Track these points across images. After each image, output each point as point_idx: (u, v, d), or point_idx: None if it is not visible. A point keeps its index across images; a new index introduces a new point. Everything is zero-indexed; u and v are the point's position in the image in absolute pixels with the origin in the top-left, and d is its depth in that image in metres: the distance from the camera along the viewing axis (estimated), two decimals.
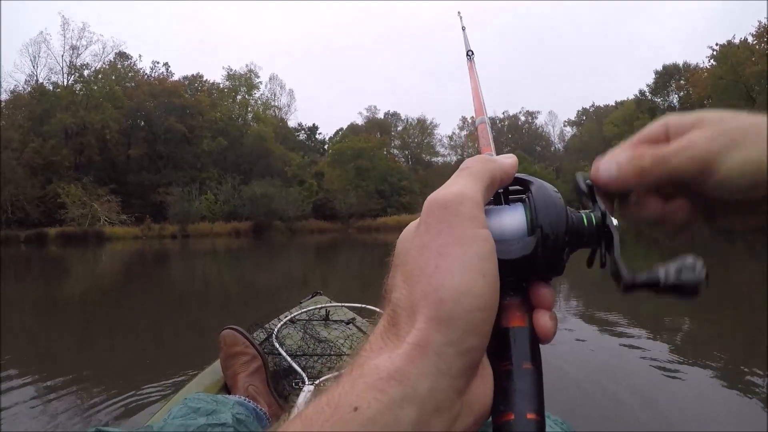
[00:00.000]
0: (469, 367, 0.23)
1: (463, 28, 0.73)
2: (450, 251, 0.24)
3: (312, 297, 1.90)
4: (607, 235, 0.28)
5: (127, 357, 3.26)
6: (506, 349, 0.26)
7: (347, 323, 1.61)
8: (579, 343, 3.22)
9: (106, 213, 29.46)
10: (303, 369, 1.33)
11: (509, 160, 0.30)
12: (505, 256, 0.26)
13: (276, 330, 1.50)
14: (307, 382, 1.27)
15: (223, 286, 7.88)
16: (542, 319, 0.27)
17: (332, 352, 1.43)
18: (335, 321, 1.64)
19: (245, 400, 1.17)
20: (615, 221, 0.29)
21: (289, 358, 1.36)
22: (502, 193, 0.31)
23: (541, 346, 0.27)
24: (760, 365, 2.62)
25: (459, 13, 0.78)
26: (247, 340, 1.33)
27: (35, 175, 29.75)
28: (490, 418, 0.25)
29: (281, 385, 1.33)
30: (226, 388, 1.28)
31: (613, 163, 0.30)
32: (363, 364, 0.23)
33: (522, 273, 0.27)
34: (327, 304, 1.74)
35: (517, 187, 0.30)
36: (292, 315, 1.64)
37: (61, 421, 2.14)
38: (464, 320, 0.23)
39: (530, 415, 0.23)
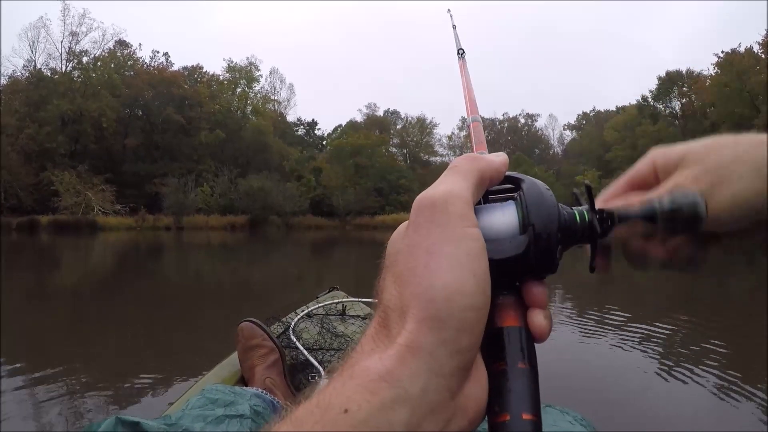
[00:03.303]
0: (461, 368, 0.23)
1: (454, 27, 0.73)
2: (439, 250, 0.24)
3: (329, 292, 1.91)
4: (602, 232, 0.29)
5: (118, 350, 3.23)
6: (500, 349, 0.25)
7: (364, 318, 1.61)
8: (581, 343, 3.22)
9: (100, 202, 29.17)
10: (320, 363, 1.33)
11: (499, 158, 0.29)
12: (497, 255, 0.26)
13: (293, 324, 1.51)
14: (323, 376, 1.27)
15: (219, 280, 7.85)
16: (536, 318, 0.26)
17: (348, 347, 1.42)
18: (352, 316, 1.64)
19: (262, 392, 1.16)
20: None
21: (306, 352, 1.36)
22: (493, 191, 0.30)
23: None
24: (760, 366, 2.65)
25: (449, 11, 0.78)
26: (264, 332, 1.32)
27: (29, 161, 29.45)
28: (486, 419, 0.24)
29: (297, 379, 1.32)
30: (243, 381, 1.27)
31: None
32: (353, 366, 0.23)
33: (515, 272, 0.27)
34: (344, 299, 1.74)
35: (509, 186, 0.30)
36: (309, 309, 1.64)
37: (53, 415, 2.09)
38: (456, 320, 0.22)
39: (526, 416, 0.23)
